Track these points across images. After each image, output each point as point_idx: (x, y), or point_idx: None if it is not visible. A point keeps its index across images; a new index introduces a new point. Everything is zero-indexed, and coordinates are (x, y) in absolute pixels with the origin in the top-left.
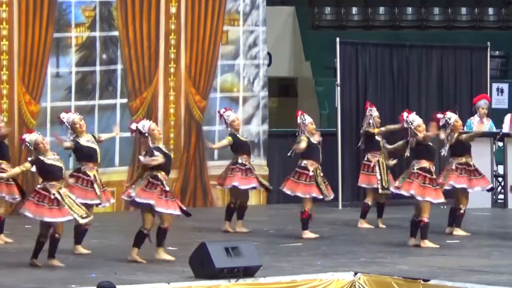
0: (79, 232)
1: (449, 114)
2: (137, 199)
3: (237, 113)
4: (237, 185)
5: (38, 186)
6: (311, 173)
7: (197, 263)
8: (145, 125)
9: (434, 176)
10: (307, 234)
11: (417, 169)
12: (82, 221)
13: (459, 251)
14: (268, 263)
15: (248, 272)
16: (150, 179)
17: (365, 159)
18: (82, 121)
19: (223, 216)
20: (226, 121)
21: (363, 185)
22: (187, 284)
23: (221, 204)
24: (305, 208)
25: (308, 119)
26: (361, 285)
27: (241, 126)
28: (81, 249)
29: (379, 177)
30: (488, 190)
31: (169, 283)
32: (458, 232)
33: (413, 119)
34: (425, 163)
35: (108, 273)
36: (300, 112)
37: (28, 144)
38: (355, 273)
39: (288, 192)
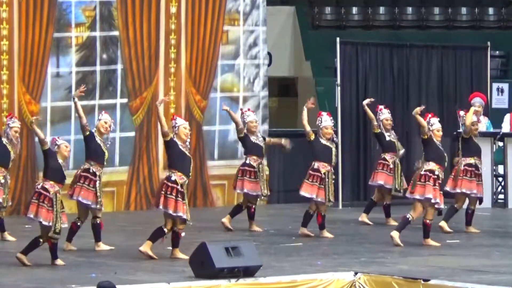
0: (98, 230)
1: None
2: (160, 207)
3: (237, 113)
4: (247, 191)
5: (38, 186)
6: (322, 176)
7: (197, 263)
8: (181, 121)
9: (440, 180)
10: (324, 233)
11: (425, 171)
12: (51, 234)
13: (459, 251)
14: (268, 263)
15: (248, 272)
16: (168, 183)
17: (382, 158)
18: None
19: (223, 216)
20: (244, 120)
21: (381, 183)
22: (187, 284)
23: (221, 204)
24: (319, 211)
25: (325, 122)
26: (361, 285)
27: (258, 129)
28: (71, 247)
29: (395, 180)
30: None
31: (169, 283)
32: (470, 229)
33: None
34: (433, 166)
35: (108, 273)
36: (319, 113)
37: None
38: (355, 273)
39: (306, 195)
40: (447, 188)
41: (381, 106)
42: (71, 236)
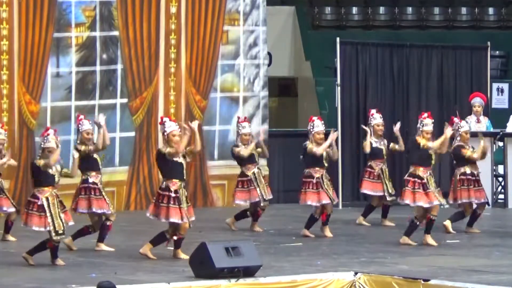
0: (105, 231)
1: (463, 122)
2: (151, 216)
3: (237, 113)
4: (239, 202)
5: (30, 195)
6: (315, 180)
7: (197, 263)
8: (171, 126)
9: (425, 181)
10: (326, 230)
11: (407, 176)
12: (55, 237)
13: (460, 251)
14: (268, 263)
15: (248, 272)
16: (160, 192)
17: (368, 166)
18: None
19: (223, 216)
20: (239, 131)
21: (367, 192)
22: (187, 284)
23: (221, 204)
24: (325, 211)
25: (316, 127)
26: (361, 285)
27: (250, 141)
28: (71, 245)
29: (384, 186)
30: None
31: (169, 283)
32: (470, 230)
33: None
34: (414, 169)
35: (108, 273)
36: (310, 118)
37: (44, 141)
38: (355, 273)
39: (310, 203)
40: (450, 200)
41: (373, 111)
42: (78, 235)
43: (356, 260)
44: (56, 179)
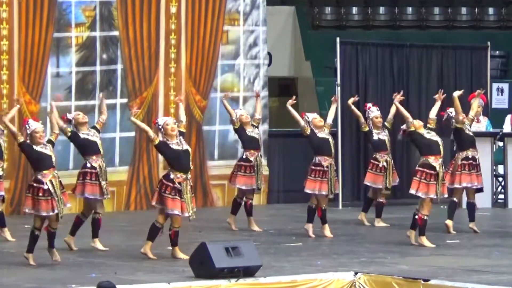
0: (96, 226)
1: (450, 109)
2: (153, 203)
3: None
4: (240, 187)
5: (32, 180)
6: (325, 169)
7: (197, 263)
8: (164, 120)
9: (432, 171)
10: (326, 229)
11: (417, 166)
12: (54, 224)
13: (459, 251)
14: (268, 263)
15: (248, 272)
16: (164, 181)
17: (373, 158)
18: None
19: (223, 216)
20: (236, 116)
21: (369, 184)
22: (187, 284)
23: (221, 204)
24: (319, 206)
25: (311, 116)
26: (361, 285)
27: (250, 121)
28: (72, 243)
29: (384, 179)
30: (478, 190)
31: (169, 283)
32: (473, 226)
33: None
34: (425, 159)
35: (108, 273)
36: (302, 114)
37: (28, 127)
38: (355, 273)
39: (309, 192)
40: (446, 183)
41: (369, 104)
42: (75, 229)
43: (356, 260)
44: (53, 159)
